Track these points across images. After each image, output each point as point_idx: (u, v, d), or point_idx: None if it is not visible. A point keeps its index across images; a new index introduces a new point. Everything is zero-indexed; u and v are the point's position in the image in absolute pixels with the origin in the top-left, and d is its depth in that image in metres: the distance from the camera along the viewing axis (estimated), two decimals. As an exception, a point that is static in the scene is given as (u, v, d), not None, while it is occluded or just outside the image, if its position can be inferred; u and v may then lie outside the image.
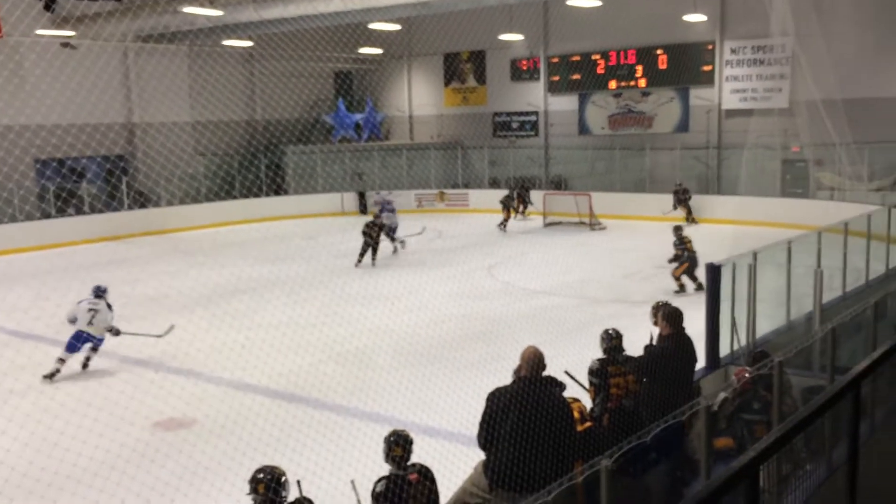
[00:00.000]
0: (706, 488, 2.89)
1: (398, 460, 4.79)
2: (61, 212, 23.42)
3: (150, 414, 8.88)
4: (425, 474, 4.82)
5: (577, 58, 27.33)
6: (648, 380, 6.15)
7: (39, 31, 22.48)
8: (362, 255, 17.70)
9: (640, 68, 26.15)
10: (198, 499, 6.43)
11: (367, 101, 31.57)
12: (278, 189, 27.50)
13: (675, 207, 22.96)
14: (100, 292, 11.06)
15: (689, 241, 14.51)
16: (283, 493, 4.49)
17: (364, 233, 17.81)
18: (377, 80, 32.75)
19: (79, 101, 23.81)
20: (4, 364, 11.09)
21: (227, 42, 25.92)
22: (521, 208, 24.72)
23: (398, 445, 4.81)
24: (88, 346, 10.74)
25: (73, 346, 10.58)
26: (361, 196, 27.39)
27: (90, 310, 10.66)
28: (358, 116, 30.61)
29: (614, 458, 4.21)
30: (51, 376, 10.42)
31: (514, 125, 29.78)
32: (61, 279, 17.17)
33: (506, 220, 23.29)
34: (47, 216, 22.98)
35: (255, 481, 4.40)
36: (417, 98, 32.22)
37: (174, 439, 8.26)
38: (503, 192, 24.74)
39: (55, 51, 23.63)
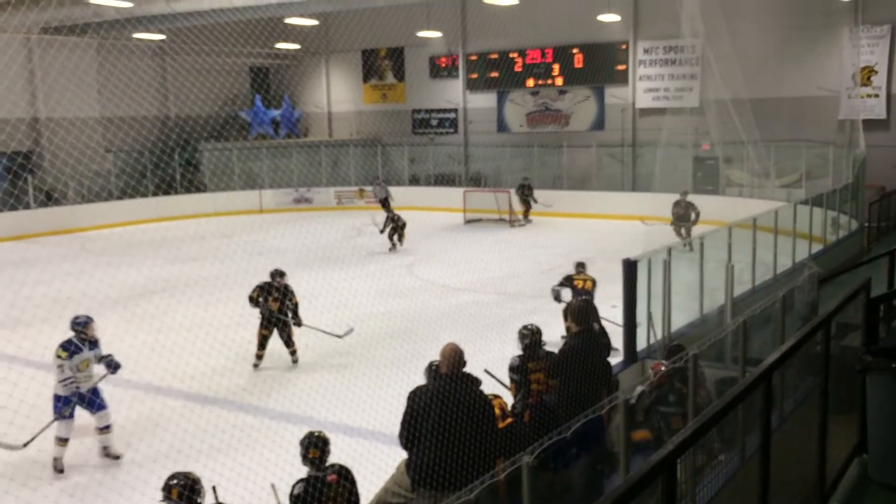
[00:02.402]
0: (626, 483, 2.90)
1: (315, 462, 4.71)
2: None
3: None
4: (344, 475, 4.75)
5: (494, 56, 27.53)
6: (562, 378, 6.19)
7: (-66, 21, 21.31)
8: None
9: (556, 67, 26.51)
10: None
11: (284, 97, 31.08)
12: (193, 186, 26.83)
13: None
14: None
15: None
16: (198, 500, 4.35)
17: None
18: (294, 76, 32.29)
19: (-21, 94, 22.76)
20: None
21: (137, 35, 25.12)
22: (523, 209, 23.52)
23: (314, 447, 4.73)
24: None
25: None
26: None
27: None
28: (275, 113, 30.13)
29: (535, 454, 4.22)
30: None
31: (434, 122, 29.80)
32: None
33: (525, 216, 23.16)
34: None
35: (167, 488, 4.26)
36: (336, 94, 31.92)
37: (81, 447, 7.93)
38: (424, 189, 24.68)
39: (-47, 41, 22.49)
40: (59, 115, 25.15)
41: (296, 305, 10.61)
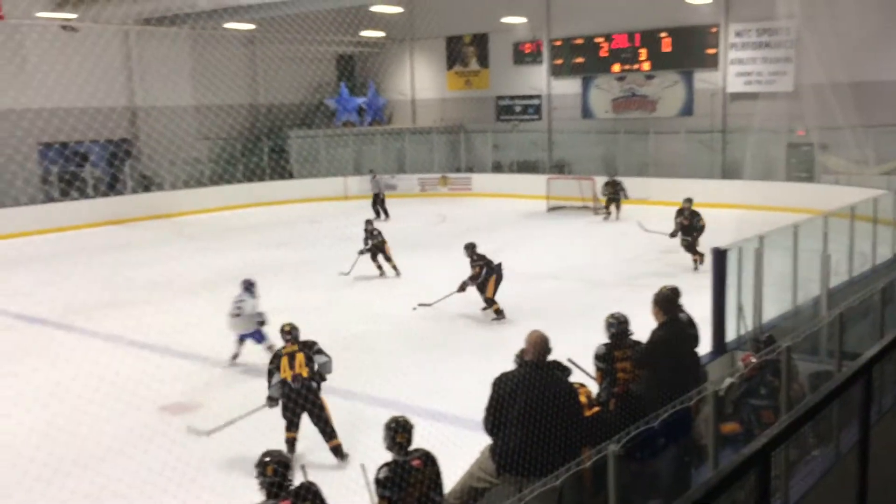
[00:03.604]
0: (718, 475, 2.88)
1: (400, 446, 4.78)
2: (65, 195, 23.38)
3: (156, 398, 8.88)
4: (429, 459, 4.80)
5: (580, 41, 27.16)
6: (649, 368, 6.12)
7: (40, 14, 22.36)
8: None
9: (643, 51, 26.00)
10: (206, 481, 6.45)
11: (369, 84, 31.43)
12: (282, 173, 27.45)
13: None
14: (248, 286, 10.38)
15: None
16: (290, 477, 4.49)
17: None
18: (379, 64, 32.57)
19: (81, 84, 23.73)
20: (9, 347, 11.13)
21: (228, 25, 25.78)
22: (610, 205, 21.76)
23: (400, 431, 4.80)
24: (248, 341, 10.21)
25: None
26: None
27: (236, 305, 10.09)
28: (360, 100, 30.49)
29: (622, 442, 4.21)
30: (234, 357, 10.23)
31: (517, 109, 29.64)
32: (64, 263, 17.23)
33: (606, 209, 21.66)
34: (51, 200, 22.95)
35: (262, 465, 4.40)
36: (420, 82, 32.08)
37: (180, 423, 8.26)
38: (507, 176, 24.52)
39: (56, 33, 23.52)
40: (154, 102, 26.11)
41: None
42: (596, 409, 5.49)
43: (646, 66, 26.05)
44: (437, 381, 9.07)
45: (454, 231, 20.08)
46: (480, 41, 30.16)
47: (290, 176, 27.72)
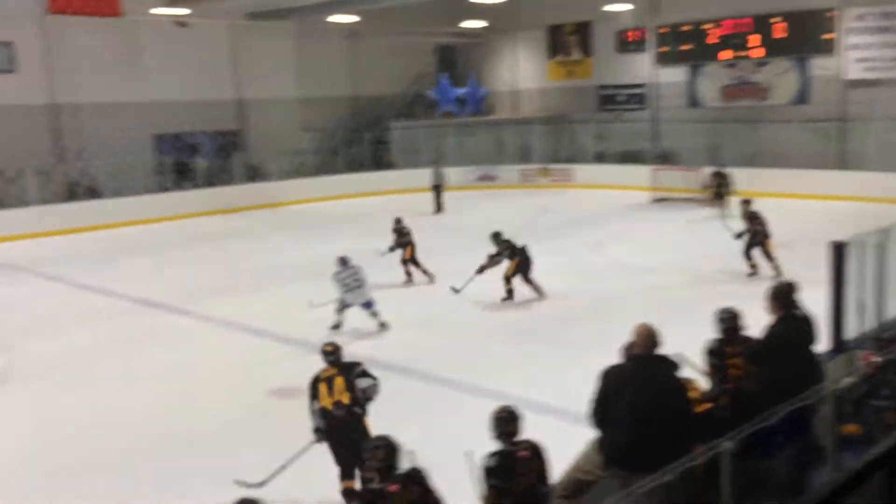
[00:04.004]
0: (844, 475, 2.75)
1: (508, 436, 4.76)
2: (177, 185, 24.40)
3: (264, 382, 9.16)
4: (535, 451, 4.77)
5: (687, 28, 26.41)
6: (763, 365, 5.90)
7: (154, 10, 23.33)
8: None
9: (755, 37, 25.06)
10: (314, 463, 6.59)
11: (469, 75, 31.47)
12: (383, 163, 27.82)
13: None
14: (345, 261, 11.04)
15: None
16: (398, 462, 4.54)
17: None
18: (480, 54, 32.56)
19: (191, 77, 24.71)
20: (129, 330, 11.68)
21: (331, 18, 26.28)
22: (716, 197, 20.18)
23: (509, 421, 4.77)
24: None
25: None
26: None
27: (354, 277, 10.75)
28: (461, 91, 30.56)
29: (736, 440, 4.08)
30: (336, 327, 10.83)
31: (621, 98, 29.10)
32: (179, 250, 17.98)
33: (712, 201, 19.99)
34: (164, 189, 23.98)
35: (372, 449, 4.46)
36: (521, 72, 31.90)
37: (288, 407, 8.49)
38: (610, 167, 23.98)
39: (169, 29, 24.52)
40: (260, 96, 26.88)
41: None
42: (707, 405, 5.33)
43: (758, 52, 25.11)
44: (539, 374, 9.02)
45: (555, 222, 19.93)
46: (583, 30, 29.74)
47: (391, 166, 28.06)
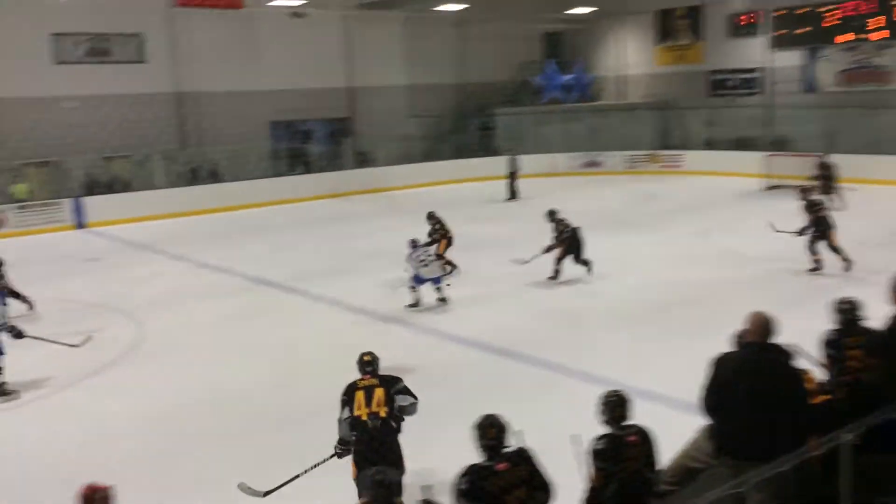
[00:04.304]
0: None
1: (618, 420, 4.79)
2: (291, 170, 25.23)
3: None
4: (644, 436, 4.79)
5: (804, 10, 25.35)
6: (885, 358, 5.72)
7: (272, 3, 24.13)
8: None
9: (879, 19, 23.83)
10: (420, 438, 6.81)
11: (576, 61, 31.16)
12: (489, 150, 27.94)
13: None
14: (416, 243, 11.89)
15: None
16: (506, 441, 4.63)
17: None
18: (587, 40, 32.18)
19: (306, 66, 25.46)
20: (246, 307, 12.24)
21: (439, 7, 26.50)
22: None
23: (618, 405, 4.81)
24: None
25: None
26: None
27: (427, 253, 11.64)
28: (567, 77, 30.30)
29: (856, 432, 4.02)
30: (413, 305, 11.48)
31: (732, 83, 28.26)
32: (292, 233, 18.64)
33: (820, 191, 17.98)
34: (279, 174, 24.83)
35: (482, 427, 4.54)
36: (628, 57, 31.37)
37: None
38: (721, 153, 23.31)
39: (286, 20, 25.31)
40: (371, 83, 27.43)
41: None
42: (824, 396, 5.24)
43: (880, 34, 23.89)
44: (644, 360, 8.99)
45: (663, 209, 19.61)
46: (693, 14, 29.00)
47: (497, 153, 28.15)
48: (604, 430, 4.77)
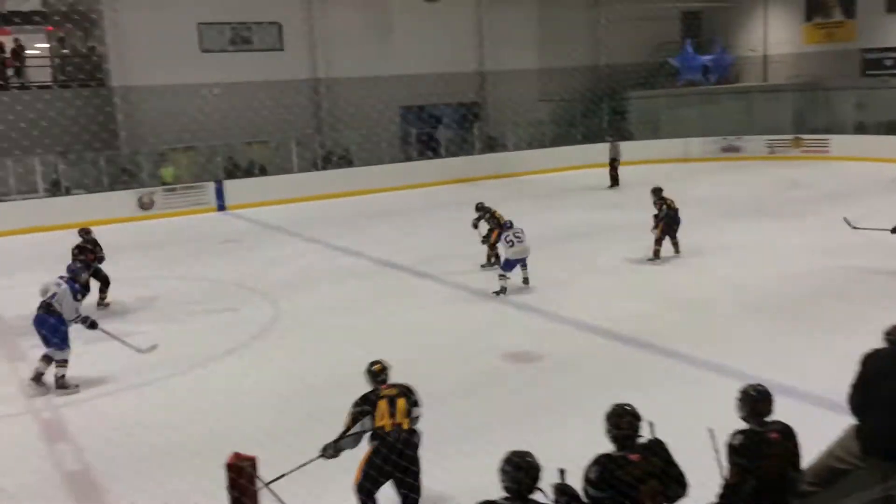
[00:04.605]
0: None
1: (758, 416, 4.54)
2: (421, 155, 25.50)
3: (496, 347, 9.39)
4: (787, 433, 4.52)
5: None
6: None
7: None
8: None
9: None
10: (546, 425, 6.71)
11: (716, 41, 29.92)
12: (621, 134, 27.30)
13: None
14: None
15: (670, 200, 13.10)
16: (640, 431, 4.49)
17: None
18: (729, 19, 30.87)
19: (437, 51, 25.61)
20: (374, 289, 12.45)
21: (575, -13, 26.08)
22: None
23: (760, 400, 4.55)
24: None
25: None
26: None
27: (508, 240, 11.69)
28: (706, 58, 29.17)
29: None
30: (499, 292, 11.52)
31: (889, 63, 26.40)
32: (420, 217, 18.83)
33: None
34: (409, 159, 25.12)
35: (615, 416, 4.41)
36: (773, 36, 29.86)
37: (519, 371, 8.69)
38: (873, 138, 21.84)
39: (418, 4, 25.53)
40: (501, 67, 27.31)
41: None
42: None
43: None
44: (788, 355, 8.51)
45: (808, 197, 18.58)
46: (847, -12, 27.32)
47: (630, 137, 27.46)
48: (743, 425, 4.53)
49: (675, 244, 13.10)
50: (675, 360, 8.70)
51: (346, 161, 24.31)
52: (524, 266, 11.75)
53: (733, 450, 4.40)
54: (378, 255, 14.63)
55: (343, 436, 5.45)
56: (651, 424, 4.57)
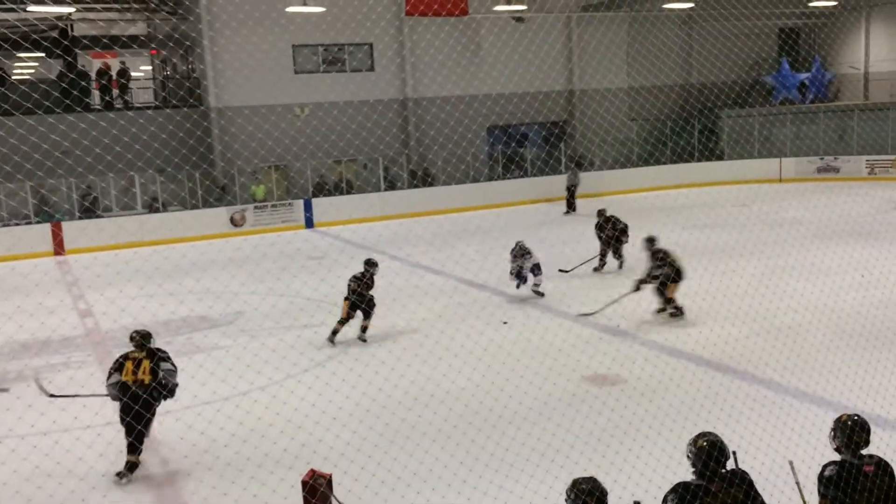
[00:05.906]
0: None
1: (856, 447, 4.30)
2: (506, 173, 25.50)
3: (578, 368, 9.26)
4: (884, 468, 4.27)
5: None
6: None
7: (497, 8, 24.49)
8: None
9: None
10: (619, 452, 6.57)
11: (814, 58, 28.96)
12: (712, 154, 26.68)
13: None
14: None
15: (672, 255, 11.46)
16: (724, 462, 4.33)
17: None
18: (827, 36, 29.81)
19: (525, 70, 25.62)
20: (456, 308, 12.46)
21: (666, 6, 25.65)
22: None
23: (857, 431, 4.31)
24: None
25: None
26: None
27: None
28: (803, 76, 28.25)
29: None
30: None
31: None
32: (504, 237, 18.75)
33: None
34: (495, 178, 25.15)
35: (696, 444, 4.28)
36: (875, 52, 28.68)
37: (601, 394, 8.53)
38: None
39: (507, 24, 25.61)
40: (590, 86, 27.10)
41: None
42: None
43: None
44: (880, 384, 8.09)
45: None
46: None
47: (721, 157, 26.81)
48: (836, 456, 4.32)
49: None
50: (762, 387, 8.40)
51: (432, 180, 24.51)
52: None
53: (825, 481, 4.19)
54: (461, 274, 14.66)
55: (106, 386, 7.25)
56: (734, 454, 4.42)
